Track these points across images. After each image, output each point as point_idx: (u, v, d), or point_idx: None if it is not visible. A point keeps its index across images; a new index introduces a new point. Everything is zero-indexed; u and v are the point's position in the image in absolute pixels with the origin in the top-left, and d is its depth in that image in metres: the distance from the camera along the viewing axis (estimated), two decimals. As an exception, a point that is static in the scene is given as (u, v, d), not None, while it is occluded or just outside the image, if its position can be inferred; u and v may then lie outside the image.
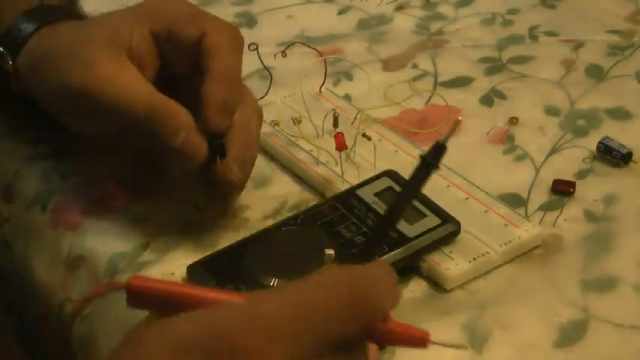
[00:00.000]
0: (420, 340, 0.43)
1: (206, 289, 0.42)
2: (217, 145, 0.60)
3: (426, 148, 0.68)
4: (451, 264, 0.59)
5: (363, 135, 0.67)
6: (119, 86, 0.60)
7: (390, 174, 0.64)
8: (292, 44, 0.75)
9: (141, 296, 0.42)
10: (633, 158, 0.67)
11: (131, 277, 0.42)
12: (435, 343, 0.42)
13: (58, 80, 0.62)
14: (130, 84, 0.60)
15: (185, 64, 0.63)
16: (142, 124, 0.59)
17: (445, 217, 0.60)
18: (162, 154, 0.62)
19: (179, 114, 0.59)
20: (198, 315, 0.39)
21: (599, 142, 0.68)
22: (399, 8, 0.88)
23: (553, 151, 0.69)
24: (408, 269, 0.60)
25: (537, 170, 0.68)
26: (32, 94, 0.65)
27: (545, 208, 0.64)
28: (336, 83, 0.77)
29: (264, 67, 0.74)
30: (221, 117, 0.60)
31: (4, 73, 0.66)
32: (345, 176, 0.65)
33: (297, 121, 0.68)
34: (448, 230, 0.59)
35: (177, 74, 0.64)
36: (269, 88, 0.73)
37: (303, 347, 0.39)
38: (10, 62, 0.65)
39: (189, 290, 0.42)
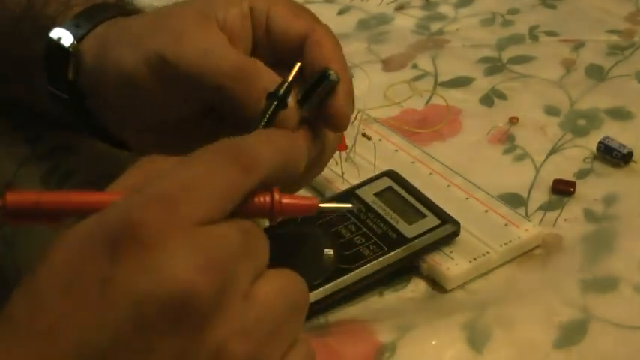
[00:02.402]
0: (309, 208, 0.45)
1: (90, 192, 0.42)
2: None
3: (426, 148, 0.69)
4: (451, 264, 0.59)
5: (363, 135, 0.67)
6: (205, 48, 0.56)
7: (390, 174, 0.64)
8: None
9: (21, 212, 0.42)
10: (633, 158, 0.67)
11: (5, 193, 0.41)
12: (323, 208, 0.46)
13: (139, 53, 0.58)
14: (216, 46, 0.56)
15: (272, 56, 0.59)
16: (224, 86, 0.55)
17: (445, 218, 0.60)
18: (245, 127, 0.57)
19: (269, 74, 0.56)
20: (96, 214, 0.40)
21: (599, 142, 0.68)
22: (399, 8, 0.88)
23: (553, 151, 0.69)
24: (408, 269, 0.60)
25: (537, 170, 0.68)
26: (95, 83, 0.62)
27: (545, 208, 0.64)
28: (336, 83, 0.77)
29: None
30: (348, 105, 0.56)
31: (61, 58, 0.62)
32: (345, 176, 0.65)
33: (297, 121, 0.68)
34: (448, 231, 0.59)
35: None
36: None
37: (203, 209, 0.40)
38: (75, 42, 0.61)
39: (72, 196, 0.42)
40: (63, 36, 0.62)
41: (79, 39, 0.61)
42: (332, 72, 0.53)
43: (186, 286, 0.37)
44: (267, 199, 0.44)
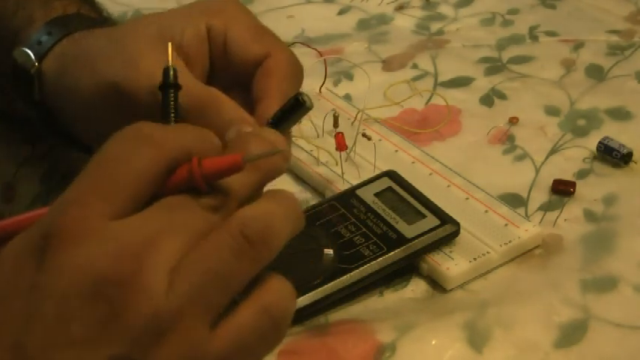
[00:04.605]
0: (235, 165, 0.42)
1: (37, 209, 0.44)
2: None
3: (426, 148, 0.69)
4: (451, 264, 0.59)
5: (363, 135, 0.67)
6: (159, 77, 0.55)
7: (390, 174, 0.64)
8: (293, 44, 0.75)
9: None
10: (633, 158, 0.67)
11: None
12: (250, 159, 0.42)
13: (93, 79, 0.58)
14: None
15: (230, 77, 0.59)
16: (184, 119, 0.53)
17: (444, 218, 0.60)
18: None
19: (229, 106, 0.55)
20: (25, 230, 0.41)
21: (600, 142, 0.68)
22: (399, 8, 0.88)
23: (553, 151, 0.69)
24: (408, 269, 0.60)
25: (537, 170, 0.68)
26: (58, 101, 0.62)
27: (545, 208, 0.64)
28: (336, 83, 0.77)
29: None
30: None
31: (26, 79, 0.63)
32: (345, 176, 0.65)
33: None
34: (447, 231, 0.59)
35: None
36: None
37: (116, 203, 0.40)
38: (36, 64, 0.62)
39: (27, 215, 0.44)
40: (25, 57, 0.62)
41: (41, 57, 0.62)
42: (305, 98, 0.53)
43: (100, 276, 0.38)
44: (186, 168, 0.41)
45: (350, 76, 0.78)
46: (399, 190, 0.62)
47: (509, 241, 0.60)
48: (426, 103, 0.75)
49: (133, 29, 0.59)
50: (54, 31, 0.63)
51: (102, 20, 0.66)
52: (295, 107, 0.54)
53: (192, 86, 0.55)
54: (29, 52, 0.62)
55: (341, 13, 0.88)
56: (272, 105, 0.55)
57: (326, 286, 0.57)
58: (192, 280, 0.39)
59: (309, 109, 0.53)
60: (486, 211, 0.62)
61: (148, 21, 0.60)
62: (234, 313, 0.41)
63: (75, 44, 0.62)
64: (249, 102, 0.56)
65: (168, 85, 0.50)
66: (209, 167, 0.41)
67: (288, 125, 0.55)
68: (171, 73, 0.50)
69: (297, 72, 0.58)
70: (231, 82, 0.58)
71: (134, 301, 0.38)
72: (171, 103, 0.50)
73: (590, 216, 0.64)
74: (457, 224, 0.60)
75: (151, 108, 0.55)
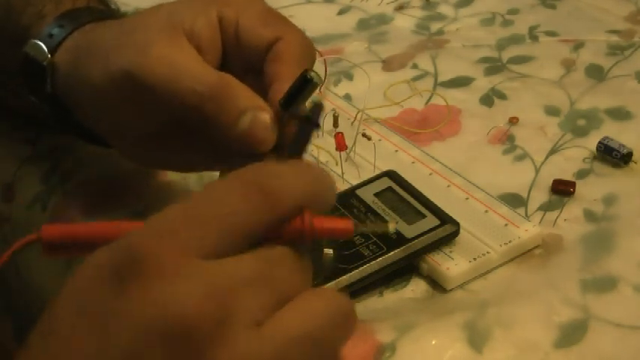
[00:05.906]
0: (344, 231, 0.42)
1: (119, 221, 0.42)
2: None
3: (426, 148, 0.69)
4: (451, 264, 0.59)
5: (363, 135, 0.67)
6: (174, 64, 0.55)
7: (390, 174, 0.64)
8: (292, 44, 0.75)
9: (56, 244, 0.42)
10: (633, 158, 0.67)
11: (41, 226, 0.41)
12: (361, 230, 0.43)
13: (105, 69, 0.57)
14: (186, 62, 0.55)
15: (243, 63, 0.58)
16: (199, 106, 0.54)
17: (444, 218, 0.60)
18: (223, 149, 0.56)
19: (244, 93, 0.55)
20: (112, 243, 0.39)
21: (599, 142, 0.68)
22: (399, 8, 0.88)
23: (553, 151, 0.69)
24: (408, 269, 0.60)
25: (537, 170, 0.68)
26: (71, 93, 0.62)
27: (545, 208, 0.64)
28: (336, 83, 0.77)
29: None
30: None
31: (38, 73, 0.62)
32: (345, 176, 0.65)
33: (297, 121, 0.68)
34: (447, 231, 0.59)
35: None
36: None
37: (211, 241, 0.39)
38: (49, 56, 0.62)
39: (102, 226, 0.42)
40: (38, 49, 0.62)
41: (53, 50, 0.62)
42: (312, 74, 0.53)
43: (185, 318, 0.37)
44: (296, 225, 0.41)
45: (350, 76, 0.78)
46: (399, 190, 0.62)
47: (509, 241, 0.60)
48: (426, 103, 0.75)
49: (142, 19, 0.59)
50: (65, 25, 0.63)
51: (111, 13, 0.66)
52: (302, 85, 0.53)
53: (205, 73, 0.55)
54: (42, 44, 0.62)
55: (341, 13, 0.88)
56: (283, 88, 0.54)
57: (326, 286, 0.56)
58: (277, 342, 0.38)
59: (316, 84, 0.52)
60: (486, 211, 0.62)
61: (157, 10, 0.59)
62: None
63: (86, 36, 0.62)
64: (263, 87, 0.56)
65: (310, 120, 0.49)
66: (320, 229, 0.42)
67: (298, 104, 0.53)
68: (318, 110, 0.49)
69: (308, 53, 0.58)
70: (245, 69, 0.57)
71: (212, 354, 0.37)
72: (304, 139, 0.49)
73: (590, 216, 0.64)
74: (457, 224, 0.60)
75: (164, 93, 0.55)
